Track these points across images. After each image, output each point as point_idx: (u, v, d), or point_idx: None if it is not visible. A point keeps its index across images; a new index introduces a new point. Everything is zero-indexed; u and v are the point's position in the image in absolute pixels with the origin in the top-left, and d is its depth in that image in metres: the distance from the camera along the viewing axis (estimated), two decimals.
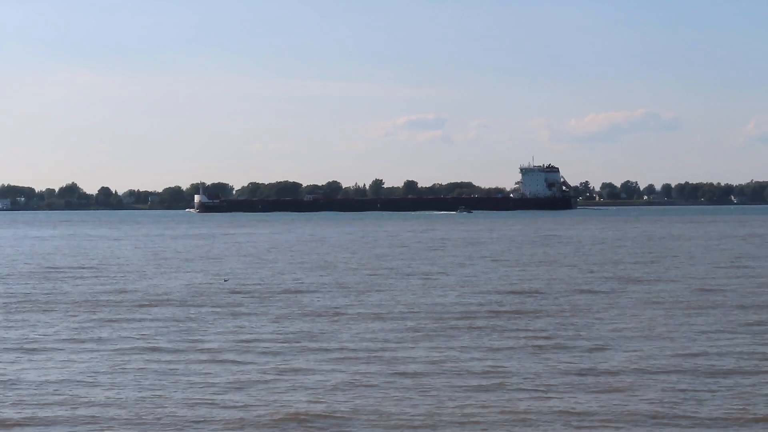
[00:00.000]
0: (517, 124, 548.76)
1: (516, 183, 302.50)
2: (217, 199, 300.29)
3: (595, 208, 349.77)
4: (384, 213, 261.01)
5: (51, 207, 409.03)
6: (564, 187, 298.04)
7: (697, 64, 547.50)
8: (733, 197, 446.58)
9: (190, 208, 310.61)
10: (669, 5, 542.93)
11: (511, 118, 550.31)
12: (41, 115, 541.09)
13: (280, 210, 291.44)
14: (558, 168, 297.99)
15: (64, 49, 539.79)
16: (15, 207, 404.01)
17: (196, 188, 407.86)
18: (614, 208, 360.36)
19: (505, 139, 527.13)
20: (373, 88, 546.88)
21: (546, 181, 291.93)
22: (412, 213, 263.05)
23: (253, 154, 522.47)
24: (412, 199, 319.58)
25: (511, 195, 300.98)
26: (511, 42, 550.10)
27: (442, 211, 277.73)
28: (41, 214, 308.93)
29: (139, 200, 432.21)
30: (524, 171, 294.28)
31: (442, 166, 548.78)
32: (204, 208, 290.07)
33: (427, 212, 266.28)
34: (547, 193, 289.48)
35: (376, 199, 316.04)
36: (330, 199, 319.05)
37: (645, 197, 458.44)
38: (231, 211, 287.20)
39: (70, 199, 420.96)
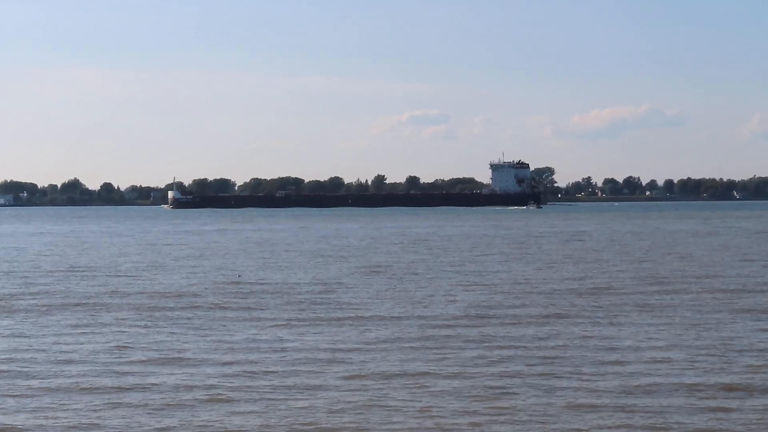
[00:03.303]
0: (521, 120, 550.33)
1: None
2: (190, 195, 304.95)
3: (566, 204, 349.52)
4: (389, 209, 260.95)
5: (53, 203, 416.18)
6: (533, 183, 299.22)
7: (701, 60, 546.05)
8: (735, 193, 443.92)
9: (165, 204, 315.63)
10: (673, 2, 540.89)
11: (514, 114, 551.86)
12: (44, 112, 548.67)
13: (252, 206, 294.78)
14: (528, 164, 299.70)
15: (67, 46, 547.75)
16: (17, 203, 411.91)
17: (198, 184, 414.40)
18: (586, 204, 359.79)
19: (509, 135, 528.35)
20: (376, 85, 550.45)
21: (516, 177, 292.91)
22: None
23: (256, 151, 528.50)
24: (383, 195, 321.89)
25: (482, 191, 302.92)
26: (515, 38, 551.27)
27: (407, 206, 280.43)
28: (49, 210, 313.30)
29: (141, 196, 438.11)
30: (494, 167, 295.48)
31: (446, 161, 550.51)
32: (177, 204, 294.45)
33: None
34: (516, 189, 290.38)
35: (347, 195, 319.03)
36: (302, 195, 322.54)
37: (647, 193, 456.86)
38: (204, 207, 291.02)
39: (72, 194, 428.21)
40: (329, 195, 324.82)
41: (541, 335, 28.25)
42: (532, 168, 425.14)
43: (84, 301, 37.75)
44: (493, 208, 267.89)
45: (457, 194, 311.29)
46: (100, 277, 48.77)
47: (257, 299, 38.09)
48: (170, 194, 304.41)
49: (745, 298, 37.25)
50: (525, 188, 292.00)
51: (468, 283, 44.10)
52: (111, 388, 21.37)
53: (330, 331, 29.53)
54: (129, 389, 21.23)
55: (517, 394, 20.66)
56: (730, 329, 29.21)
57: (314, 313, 33.73)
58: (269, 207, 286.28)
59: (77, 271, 53.34)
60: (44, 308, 35.61)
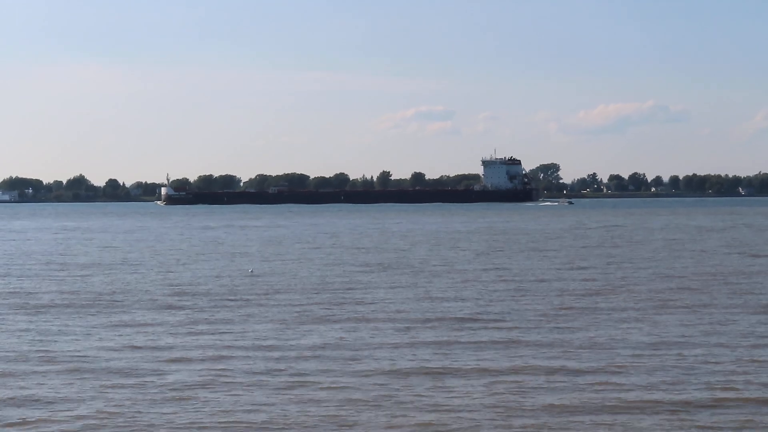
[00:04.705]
0: (526, 116, 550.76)
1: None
2: (183, 192, 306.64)
3: (557, 201, 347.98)
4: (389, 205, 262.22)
5: (59, 199, 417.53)
6: (525, 180, 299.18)
7: (706, 56, 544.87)
8: (741, 189, 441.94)
9: (158, 200, 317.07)
10: None
11: (519, 111, 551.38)
12: (49, 108, 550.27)
13: (245, 202, 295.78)
14: (520, 161, 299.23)
15: (71, 42, 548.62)
16: (23, 199, 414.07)
17: (203, 180, 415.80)
18: (577, 201, 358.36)
19: (514, 132, 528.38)
20: (381, 81, 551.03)
21: (507, 173, 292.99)
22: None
23: (261, 147, 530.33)
24: (376, 191, 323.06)
25: (473, 187, 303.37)
26: (520, 34, 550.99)
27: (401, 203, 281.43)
28: (52, 207, 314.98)
29: (146, 192, 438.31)
30: (486, 163, 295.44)
31: (451, 158, 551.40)
32: (170, 200, 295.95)
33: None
34: (508, 186, 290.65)
35: (340, 192, 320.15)
36: (295, 191, 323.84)
37: (653, 189, 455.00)
38: (197, 204, 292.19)
39: (77, 191, 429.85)
40: (322, 191, 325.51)
41: None
42: (537, 164, 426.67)
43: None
44: (492, 203, 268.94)
45: (449, 191, 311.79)
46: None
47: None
48: (163, 191, 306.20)
49: None
50: (517, 184, 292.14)
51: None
52: None
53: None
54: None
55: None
56: None
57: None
58: (262, 203, 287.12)
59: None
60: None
